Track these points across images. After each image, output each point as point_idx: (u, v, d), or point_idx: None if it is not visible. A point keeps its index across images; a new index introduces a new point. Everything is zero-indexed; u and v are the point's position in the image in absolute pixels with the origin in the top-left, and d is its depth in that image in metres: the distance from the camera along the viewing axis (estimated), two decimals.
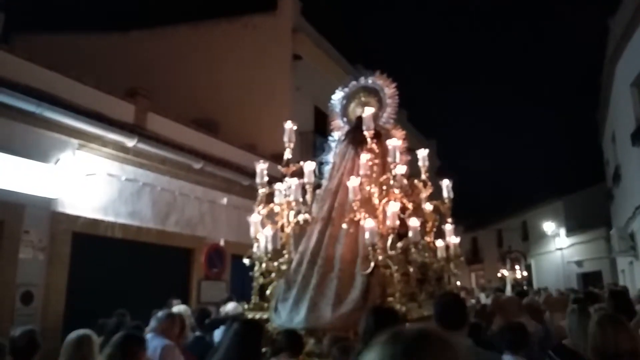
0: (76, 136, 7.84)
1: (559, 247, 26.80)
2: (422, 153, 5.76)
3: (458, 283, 5.65)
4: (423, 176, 5.66)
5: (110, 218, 8.34)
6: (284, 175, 5.95)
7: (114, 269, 8.16)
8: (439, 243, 5.40)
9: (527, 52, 71.59)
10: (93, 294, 7.48)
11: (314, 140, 13.68)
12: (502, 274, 27.23)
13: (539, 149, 69.60)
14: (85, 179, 7.97)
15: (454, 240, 5.51)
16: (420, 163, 5.74)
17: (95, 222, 8.07)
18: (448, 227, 5.55)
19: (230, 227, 11.01)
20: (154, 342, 4.30)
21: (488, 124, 71.90)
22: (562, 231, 26.57)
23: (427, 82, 66.74)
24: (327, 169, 6.06)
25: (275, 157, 12.85)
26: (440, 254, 5.33)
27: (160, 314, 4.86)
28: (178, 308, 6.60)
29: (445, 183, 5.71)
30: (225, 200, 10.95)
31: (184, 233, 9.84)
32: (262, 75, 13.60)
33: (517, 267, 29.48)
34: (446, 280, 5.58)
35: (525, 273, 29.46)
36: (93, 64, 11.45)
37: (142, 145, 8.87)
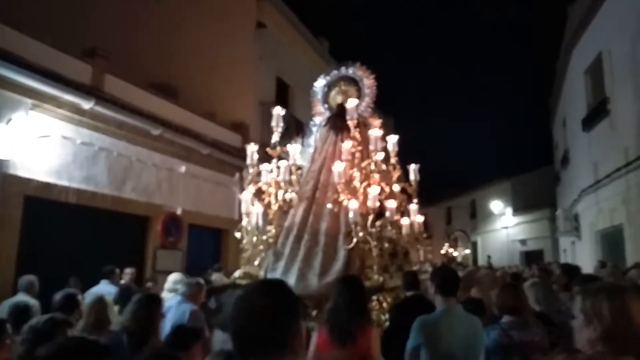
0: (30, 95, 7.45)
1: (505, 225, 27.81)
2: (392, 139, 6.14)
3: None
4: (392, 160, 6.10)
5: (64, 182, 8.05)
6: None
7: (67, 235, 7.93)
8: (405, 221, 5.81)
9: (483, 35, 72.70)
10: (45, 261, 7.25)
11: None
12: (447, 252, 28.70)
13: (491, 131, 71.43)
14: (39, 141, 7.64)
15: (418, 219, 6.05)
16: (389, 148, 6.12)
17: (48, 186, 7.76)
18: (413, 206, 6.06)
19: (187, 196, 10.86)
20: (182, 305, 4.84)
21: (442, 104, 73.08)
22: (509, 210, 27.54)
23: (386, 59, 66.91)
24: (308, 151, 6.65)
25: (235, 126, 12.74)
26: (405, 231, 5.77)
27: (188, 280, 5.39)
28: (216, 276, 7.61)
29: (412, 167, 6.23)
30: (183, 169, 10.75)
31: (140, 200, 9.62)
32: (225, 42, 13.26)
33: (459, 245, 31.14)
34: (412, 255, 6.07)
35: (468, 251, 31.14)
36: (49, 21, 10.84)
37: (99, 108, 8.53)
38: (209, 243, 11.87)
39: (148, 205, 9.81)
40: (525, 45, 63.71)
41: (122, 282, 7.39)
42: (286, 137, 14.26)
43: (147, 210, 9.84)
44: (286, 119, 13.91)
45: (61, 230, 7.89)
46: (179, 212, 10.54)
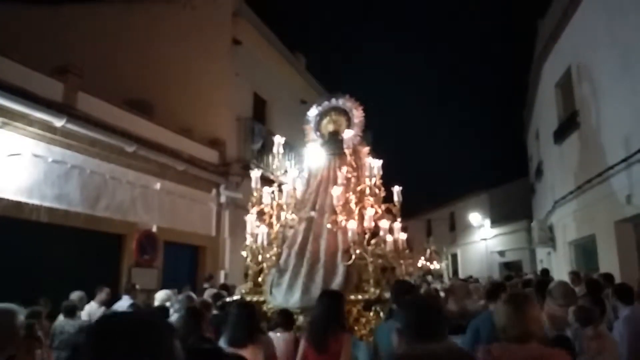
0: None
1: (484, 237, 28.04)
2: (377, 163, 6.58)
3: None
4: (378, 182, 6.58)
5: (35, 201, 7.93)
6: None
7: (39, 254, 7.78)
8: (389, 238, 6.25)
9: (458, 51, 73.85)
10: (17, 281, 7.09)
11: (252, 127, 13.55)
12: (422, 265, 29.20)
13: (468, 144, 72.20)
14: (9, 159, 7.52)
15: (402, 236, 6.59)
16: (375, 172, 6.54)
17: (18, 205, 7.64)
18: (397, 225, 6.50)
19: (163, 213, 10.76)
20: None
21: (420, 118, 73.73)
22: (487, 222, 27.78)
23: (363, 74, 67.55)
24: (302, 175, 7.28)
25: (212, 142, 12.70)
26: (389, 247, 6.24)
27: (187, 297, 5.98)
28: (239, 290, 7.86)
29: (396, 189, 6.72)
30: (158, 186, 10.67)
31: (114, 218, 9.51)
32: (201, 59, 13.26)
33: (435, 259, 31.70)
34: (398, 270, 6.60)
35: (443, 264, 31.70)
36: (21, 39, 10.79)
37: (71, 126, 8.45)
38: (185, 260, 11.76)
39: (122, 223, 9.70)
40: (501, 58, 64.77)
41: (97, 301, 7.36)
42: (263, 152, 14.23)
43: (122, 228, 9.72)
44: (263, 134, 13.99)
45: (33, 250, 7.74)
46: (154, 229, 10.44)
